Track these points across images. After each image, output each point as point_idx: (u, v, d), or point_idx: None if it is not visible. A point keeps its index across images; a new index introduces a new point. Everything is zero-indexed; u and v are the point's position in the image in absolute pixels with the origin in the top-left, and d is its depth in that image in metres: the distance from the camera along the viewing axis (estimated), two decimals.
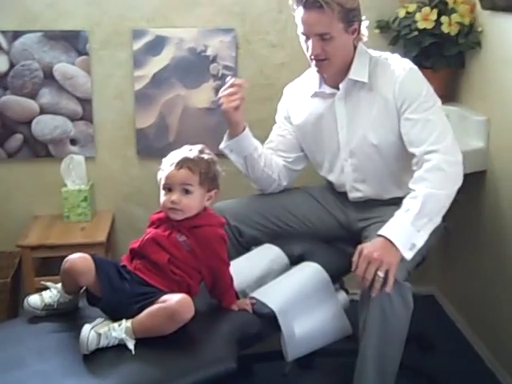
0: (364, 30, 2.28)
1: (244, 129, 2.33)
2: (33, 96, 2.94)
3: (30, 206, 3.04)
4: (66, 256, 2.75)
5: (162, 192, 1.98)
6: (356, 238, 2.33)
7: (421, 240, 2.08)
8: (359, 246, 2.05)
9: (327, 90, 2.34)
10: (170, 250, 1.94)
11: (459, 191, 2.82)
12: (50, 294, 2.01)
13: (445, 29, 2.77)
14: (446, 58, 2.86)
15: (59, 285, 2.00)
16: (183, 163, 1.95)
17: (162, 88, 2.98)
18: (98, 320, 1.83)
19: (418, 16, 2.80)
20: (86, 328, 1.78)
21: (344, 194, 2.43)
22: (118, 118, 3.02)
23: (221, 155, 2.24)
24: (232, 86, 2.26)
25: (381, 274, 1.96)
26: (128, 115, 3.01)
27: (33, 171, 3.02)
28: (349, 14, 2.18)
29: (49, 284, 2.04)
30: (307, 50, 2.24)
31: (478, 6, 2.75)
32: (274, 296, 2.08)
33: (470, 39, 2.76)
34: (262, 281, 2.19)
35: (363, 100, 2.28)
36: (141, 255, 1.96)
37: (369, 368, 2.05)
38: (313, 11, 2.15)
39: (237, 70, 3.00)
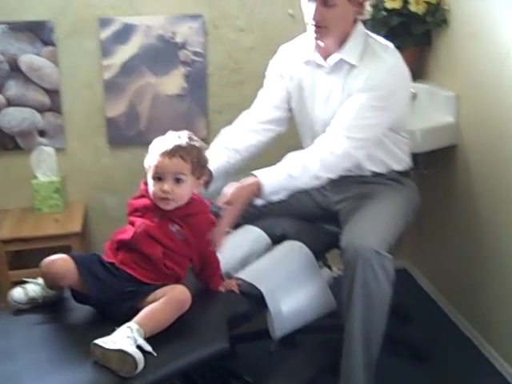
0: (367, 6, 2.27)
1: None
2: None
3: (0, 200, 2.99)
4: (41, 249, 2.76)
5: (151, 181, 1.90)
6: (335, 217, 2.35)
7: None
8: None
9: (317, 59, 2.32)
10: (163, 242, 1.88)
11: (428, 166, 2.90)
12: (34, 287, 1.95)
13: (412, 8, 2.80)
14: (413, 37, 2.89)
15: (41, 280, 1.94)
16: (175, 152, 1.87)
17: (131, 76, 2.96)
18: (117, 335, 1.68)
19: None
20: (131, 348, 1.63)
21: None
22: (88, 108, 2.99)
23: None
24: None
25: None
26: (97, 104, 2.98)
27: (1, 164, 2.98)
28: None
29: (30, 280, 1.98)
30: (308, 15, 2.21)
31: None
32: (259, 276, 2.09)
33: (437, 17, 2.80)
34: (245, 262, 2.19)
35: (345, 80, 2.26)
36: (130, 248, 1.89)
37: (357, 339, 2.10)
38: None
39: (206, 56, 2.99)
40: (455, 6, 2.74)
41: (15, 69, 2.88)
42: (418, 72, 3.01)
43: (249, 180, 2.11)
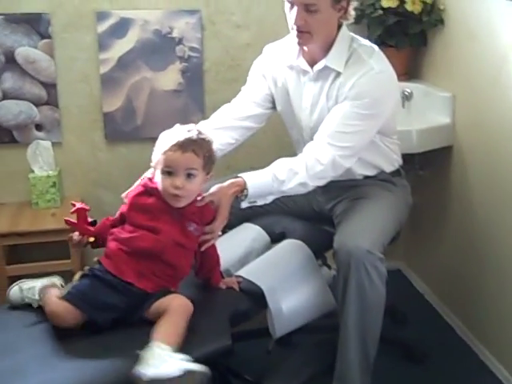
0: (351, 11, 2.20)
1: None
2: None
3: None
4: (38, 243, 2.76)
5: (161, 176, 1.84)
6: (329, 219, 2.37)
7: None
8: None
9: (302, 65, 2.28)
10: (186, 246, 1.88)
11: (423, 167, 2.92)
12: (31, 298, 1.93)
13: (408, 7, 2.82)
14: (408, 37, 2.92)
15: (37, 297, 1.91)
16: (188, 146, 1.82)
17: (128, 71, 2.95)
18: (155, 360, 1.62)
19: None
20: (190, 365, 1.61)
21: None
22: (84, 102, 2.98)
23: None
24: None
25: None
26: (94, 99, 2.97)
27: None
28: None
29: (27, 297, 1.94)
30: (290, 20, 2.16)
31: None
32: (260, 274, 2.11)
33: (432, 17, 2.82)
34: (245, 260, 2.21)
35: (329, 87, 2.23)
36: (151, 257, 1.83)
37: (351, 339, 2.12)
38: None
39: (202, 52, 2.99)
40: (451, 6, 2.77)
41: (11, 61, 2.86)
42: (414, 72, 3.04)
43: (233, 180, 2.09)
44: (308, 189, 2.18)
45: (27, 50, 2.87)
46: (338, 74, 2.21)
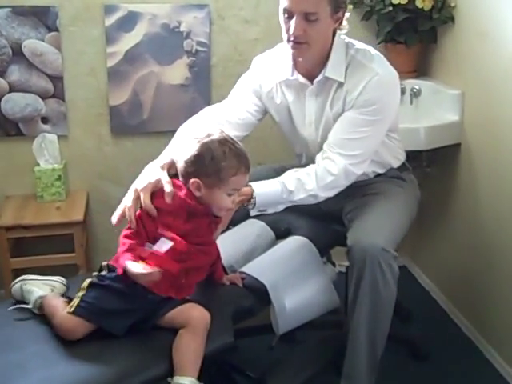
0: (345, 22, 2.16)
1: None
2: (1, 74, 2.86)
3: (2, 186, 2.97)
4: (42, 236, 2.75)
5: (223, 195, 1.83)
6: (338, 217, 2.35)
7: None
8: None
9: (300, 79, 2.22)
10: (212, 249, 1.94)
11: (431, 164, 2.90)
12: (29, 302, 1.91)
13: (418, 4, 2.80)
14: (418, 34, 2.90)
15: (36, 311, 1.88)
16: (248, 163, 1.87)
17: (135, 65, 2.94)
18: None
19: None
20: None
21: None
22: (91, 96, 2.97)
23: None
24: None
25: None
26: (101, 92, 2.97)
27: (3, 151, 2.95)
28: None
29: (26, 307, 1.91)
30: (287, 31, 2.09)
31: None
32: (264, 270, 2.09)
33: (443, 14, 2.80)
34: (249, 256, 2.19)
35: (332, 97, 2.20)
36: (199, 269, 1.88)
37: (362, 338, 2.10)
38: None
39: (210, 47, 2.98)
40: (462, 3, 2.75)
41: (18, 54, 2.85)
42: (423, 69, 3.02)
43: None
44: (318, 200, 2.17)
45: (34, 43, 2.86)
46: (340, 84, 2.17)
